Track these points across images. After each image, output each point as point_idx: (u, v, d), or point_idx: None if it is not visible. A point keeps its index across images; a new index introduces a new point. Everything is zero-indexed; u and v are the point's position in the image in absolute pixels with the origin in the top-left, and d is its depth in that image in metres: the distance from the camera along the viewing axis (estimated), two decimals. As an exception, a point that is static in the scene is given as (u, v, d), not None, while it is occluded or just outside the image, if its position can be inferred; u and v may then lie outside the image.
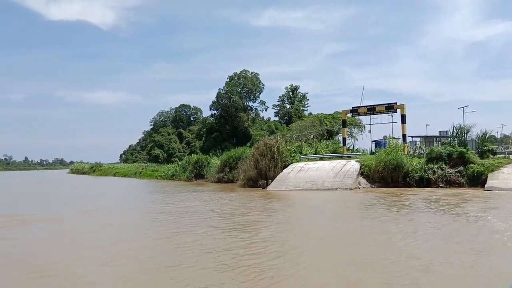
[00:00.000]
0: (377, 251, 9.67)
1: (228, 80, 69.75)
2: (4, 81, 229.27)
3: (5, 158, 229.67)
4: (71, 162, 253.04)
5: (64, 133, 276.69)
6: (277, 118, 75.49)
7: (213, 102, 70.08)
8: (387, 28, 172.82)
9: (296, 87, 73.90)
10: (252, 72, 69.12)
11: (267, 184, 30.74)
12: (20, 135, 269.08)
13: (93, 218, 17.42)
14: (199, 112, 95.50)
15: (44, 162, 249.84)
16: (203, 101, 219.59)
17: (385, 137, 38.15)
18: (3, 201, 27.69)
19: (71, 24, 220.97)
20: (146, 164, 72.86)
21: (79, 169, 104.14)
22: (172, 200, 24.22)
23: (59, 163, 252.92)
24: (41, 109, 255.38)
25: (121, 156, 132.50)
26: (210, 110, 73.54)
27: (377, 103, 35.62)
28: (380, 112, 35.58)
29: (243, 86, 68.66)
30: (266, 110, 75.53)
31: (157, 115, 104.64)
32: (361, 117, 41.48)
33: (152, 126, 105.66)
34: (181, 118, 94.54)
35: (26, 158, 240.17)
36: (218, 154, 49.83)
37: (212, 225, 14.20)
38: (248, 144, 57.38)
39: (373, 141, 39.07)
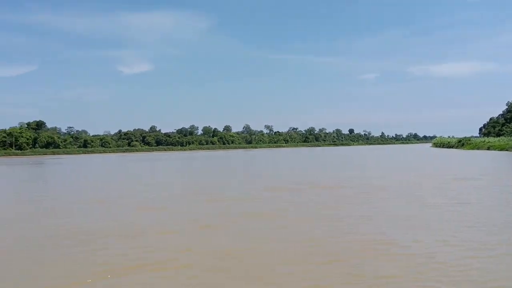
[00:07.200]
0: None
1: None
2: (359, 64, 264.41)
3: (364, 134, 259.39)
4: (424, 137, 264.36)
5: (413, 107, 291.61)
6: None
7: None
8: None
9: None
10: None
11: None
12: (376, 111, 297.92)
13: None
14: None
15: (399, 137, 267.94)
16: None
17: None
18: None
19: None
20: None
21: (443, 143, 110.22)
22: None
23: (413, 137, 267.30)
24: (391, 85, 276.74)
25: (480, 129, 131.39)
26: None
27: None
28: None
29: None
30: None
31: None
32: None
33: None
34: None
35: (382, 133, 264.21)
36: None
37: None
38: None
39: None
